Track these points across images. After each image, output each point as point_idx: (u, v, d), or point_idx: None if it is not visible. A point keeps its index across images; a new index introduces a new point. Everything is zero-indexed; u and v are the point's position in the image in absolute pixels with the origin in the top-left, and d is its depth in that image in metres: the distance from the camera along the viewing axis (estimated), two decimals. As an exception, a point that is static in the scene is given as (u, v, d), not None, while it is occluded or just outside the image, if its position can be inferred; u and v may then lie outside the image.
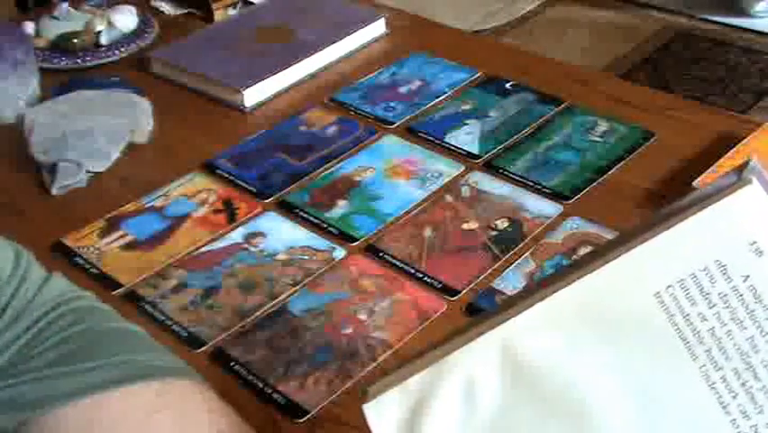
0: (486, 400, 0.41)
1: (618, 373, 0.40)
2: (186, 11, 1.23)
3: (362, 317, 0.70)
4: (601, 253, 0.41)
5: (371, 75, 1.04)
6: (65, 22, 1.14)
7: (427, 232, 0.79)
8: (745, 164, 0.39)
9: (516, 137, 0.91)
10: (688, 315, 0.39)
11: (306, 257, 0.77)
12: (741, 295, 0.38)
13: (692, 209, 0.39)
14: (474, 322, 0.43)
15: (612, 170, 0.85)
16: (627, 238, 0.41)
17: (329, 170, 0.88)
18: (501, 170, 0.86)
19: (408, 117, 0.96)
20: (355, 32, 1.10)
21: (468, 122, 0.94)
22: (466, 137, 0.91)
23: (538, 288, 0.42)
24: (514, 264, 0.74)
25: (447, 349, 0.42)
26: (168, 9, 1.23)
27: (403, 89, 1.01)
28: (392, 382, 0.42)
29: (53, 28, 1.13)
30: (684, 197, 0.41)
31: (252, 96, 1.00)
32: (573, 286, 0.40)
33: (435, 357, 0.42)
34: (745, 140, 0.82)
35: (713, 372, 0.39)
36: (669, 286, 0.39)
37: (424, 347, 0.44)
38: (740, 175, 0.39)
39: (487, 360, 0.41)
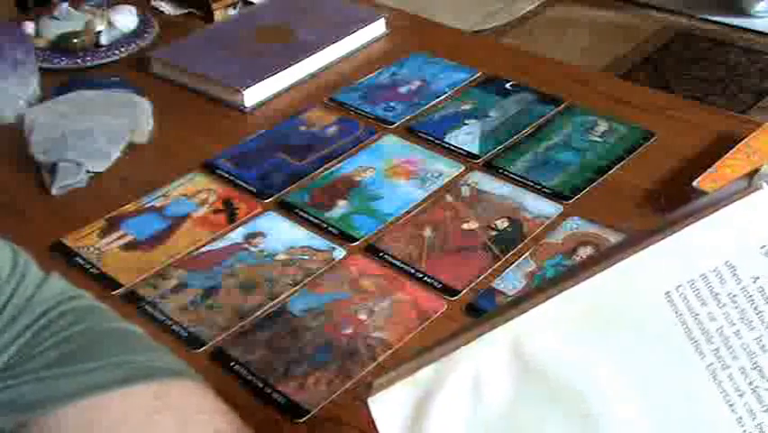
0: (492, 396, 0.41)
1: (626, 371, 0.40)
2: (186, 11, 1.23)
3: (362, 317, 0.70)
4: (611, 253, 0.41)
5: (371, 75, 1.04)
6: (65, 22, 1.13)
7: (427, 232, 0.79)
8: (756, 171, 0.40)
9: (516, 137, 0.91)
10: (697, 314, 0.39)
11: (306, 257, 0.77)
12: (750, 296, 0.39)
13: (703, 213, 0.40)
14: (483, 319, 0.43)
15: (612, 170, 0.85)
16: (638, 239, 0.41)
17: (329, 170, 0.88)
18: (501, 170, 0.86)
19: (408, 117, 0.96)
20: (355, 32, 1.10)
21: (468, 122, 0.94)
22: (466, 137, 0.91)
23: (548, 286, 0.42)
24: (514, 264, 0.74)
25: (455, 345, 0.42)
26: (168, 9, 1.23)
27: (403, 89, 1.01)
28: (397, 377, 0.42)
29: (53, 28, 1.13)
30: (695, 201, 0.41)
31: (252, 96, 1.00)
32: (583, 284, 0.41)
33: (443, 353, 0.42)
34: (745, 140, 0.82)
35: (720, 370, 0.39)
36: (679, 286, 0.40)
37: (429, 344, 0.44)
38: (750, 181, 0.40)
39: (495, 356, 0.41)
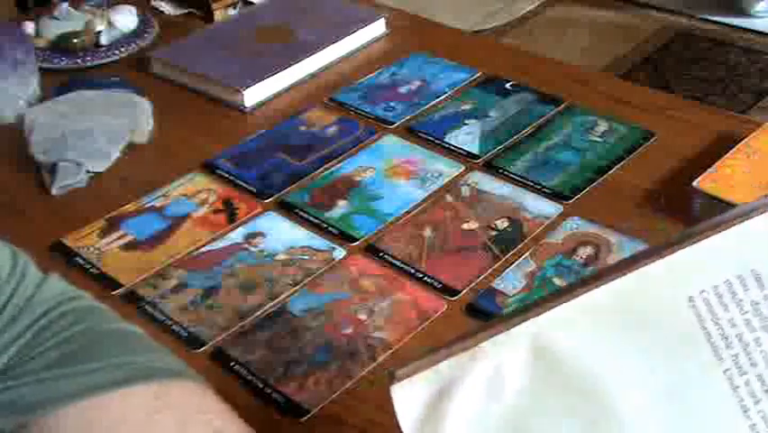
0: (512, 389, 0.42)
1: (644, 370, 0.41)
2: (186, 11, 1.23)
3: (362, 317, 0.70)
4: (637, 258, 0.42)
5: (371, 75, 1.04)
6: (65, 22, 1.13)
7: (427, 232, 0.79)
8: None
9: (516, 137, 0.91)
10: (718, 319, 0.40)
11: (306, 257, 0.77)
12: None
13: (730, 223, 0.41)
14: (508, 315, 0.44)
15: (612, 170, 0.85)
16: (664, 247, 0.42)
17: (329, 170, 0.88)
18: (501, 170, 0.86)
19: (408, 117, 0.96)
20: (355, 32, 1.10)
21: (468, 122, 0.94)
22: (466, 137, 0.91)
23: (572, 288, 0.42)
24: (514, 264, 0.74)
25: (479, 338, 0.43)
26: (168, 9, 1.23)
27: (403, 89, 1.01)
28: (421, 367, 0.43)
29: (53, 28, 1.13)
30: (723, 213, 0.42)
31: (252, 96, 1.00)
32: (608, 286, 0.41)
33: (467, 345, 0.43)
34: (745, 140, 0.82)
35: (737, 376, 0.40)
36: (702, 291, 0.40)
37: (454, 337, 0.45)
38: None
39: (517, 350, 0.42)
